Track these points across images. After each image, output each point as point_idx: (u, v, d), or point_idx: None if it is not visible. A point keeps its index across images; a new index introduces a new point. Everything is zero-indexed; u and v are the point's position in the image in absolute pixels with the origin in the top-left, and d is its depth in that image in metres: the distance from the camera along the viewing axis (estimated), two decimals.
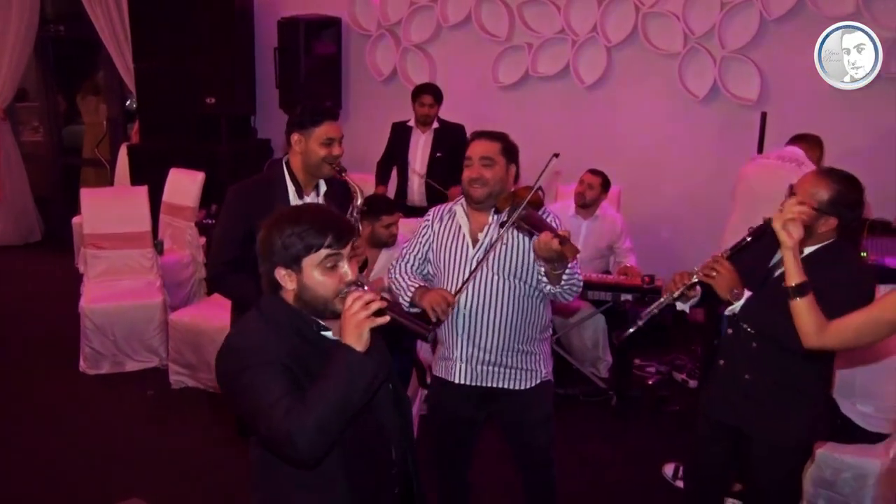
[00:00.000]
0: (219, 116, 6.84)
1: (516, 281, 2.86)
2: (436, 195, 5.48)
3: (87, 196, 5.76)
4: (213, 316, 4.62)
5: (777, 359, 2.69)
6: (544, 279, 2.79)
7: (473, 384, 2.94)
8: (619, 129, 6.20)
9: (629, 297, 4.72)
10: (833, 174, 2.65)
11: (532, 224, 2.71)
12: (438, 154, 5.69)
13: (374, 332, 1.86)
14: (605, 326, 5.08)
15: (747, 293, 2.68)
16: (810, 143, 4.68)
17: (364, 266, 3.60)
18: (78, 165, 8.94)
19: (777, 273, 2.62)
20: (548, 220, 2.82)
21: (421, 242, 3.06)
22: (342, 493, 1.96)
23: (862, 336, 2.31)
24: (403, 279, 2.99)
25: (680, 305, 2.83)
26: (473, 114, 5.92)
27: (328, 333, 1.97)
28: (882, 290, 2.85)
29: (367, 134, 6.36)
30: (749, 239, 2.67)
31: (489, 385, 2.94)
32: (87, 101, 9.02)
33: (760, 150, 5.03)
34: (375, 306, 1.84)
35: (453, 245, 2.95)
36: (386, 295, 2.36)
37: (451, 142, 5.52)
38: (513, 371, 2.94)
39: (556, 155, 2.83)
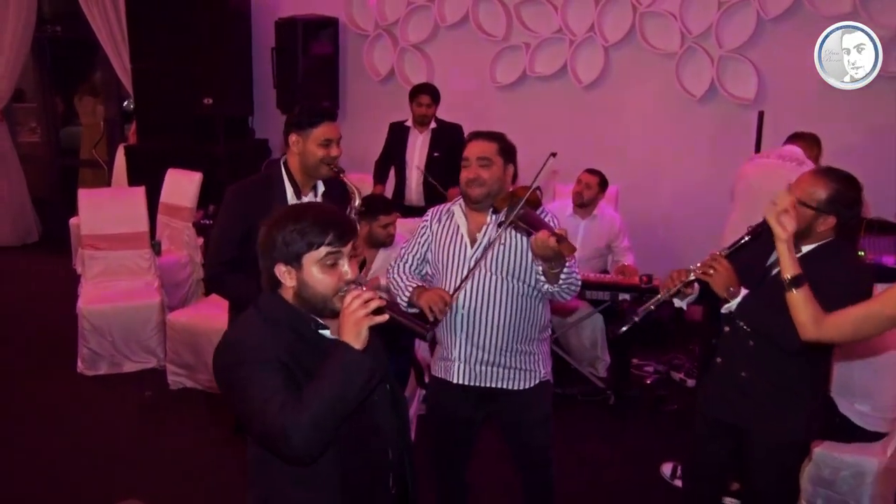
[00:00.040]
0: (216, 117, 6.83)
1: (514, 281, 2.86)
2: (434, 195, 5.47)
3: (85, 197, 5.76)
4: (210, 316, 4.61)
5: (773, 357, 2.69)
6: (542, 278, 2.79)
7: (472, 384, 2.94)
8: (617, 128, 6.20)
9: (627, 296, 4.72)
10: (831, 173, 2.66)
11: (529, 223, 2.71)
12: (436, 154, 5.69)
13: (372, 332, 1.87)
14: (603, 326, 5.08)
15: (744, 291, 2.68)
16: (808, 141, 4.69)
17: (362, 266, 3.61)
18: (75, 166, 8.94)
19: (774, 272, 2.62)
20: (546, 219, 2.82)
21: (420, 243, 3.06)
22: (337, 491, 1.96)
23: (860, 330, 2.30)
24: (402, 279, 2.99)
25: (677, 302, 2.83)
26: (471, 114, 5.92)
27: (326, 332, 1.97)
28: (879, 288, 2.85)
29: (365, 134, 6.36)
30: (747, 238, 2.67)
31: (488, 385, 2.94)
32: (84, 102, 9.01)
33: (758, 149, 5.03)
34: (374, 304, 1.85)
35: (452, 245, 2.95)
36: (384, 295, 2.36)
37: (448, 142, 5.52)
38: (512, 371, 2.94)
39: (554, 154, 2.83)
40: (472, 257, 2.89)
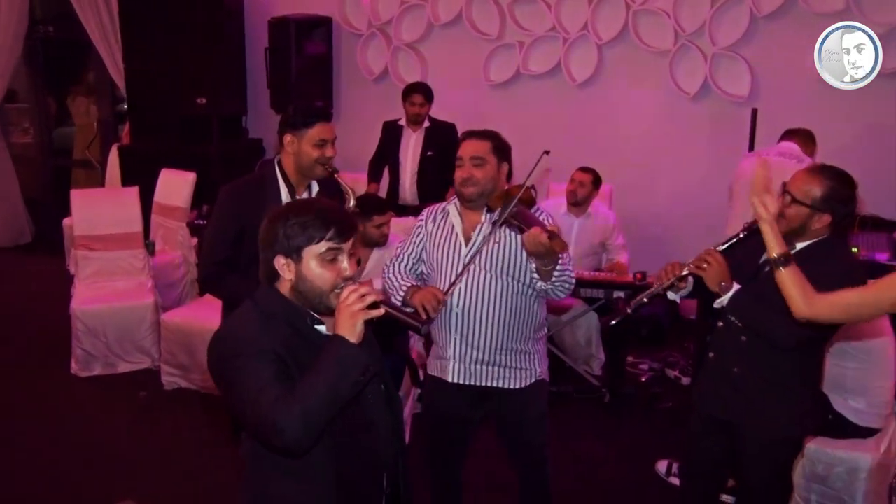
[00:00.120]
0: (210, 117, 6.82)
1: (509, 279, 2.86)
2: (428, 194, 5.48)
3: (78, 197, 5.73)
4: (205, 317, 4.60)
5: (766, 353, 2.70)
6: (536, 276, 2.80)
7: (467, 383, 2.94)
8: (611, 126, 6.21)
9: (622, 294, 4.72)
10: (826, 171, 2.66)
11: (522, 221, 2.72)
12: (430, 153, 5.69)
13: (367, 328, 1.88)
14: (597, 324, 5.09)
15: (736, 286, 2.69)
16: (804, 138, 4.71)
17: (357, 265, 3.60)
18: (69, 167, 8.91)
19: (768, 269, 2.63)
20: (541, 217, 2.83)
21: (415, 242, 3.06)
22: (331, 486, 1.97)
23: (853, 312, 2.30)
24: (397, 279, 2.99)
25: (671, 295, 2.84)
26: (465, 112, 5.92)
27: (322, 328, 1.98)
28: None
29: (359, 133, 6.34)
30: (743, 234, 2.68)
31: (483, 384, 2.94)
32: (77, 103, 8.99)
33: (752, 146, 5.04)
34: (370, 299, 1.86)
35: (446, 244, 2.95)
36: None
37: (442, 140, 5.52)
38: (507, 370, 2.93)
39: (547, 152, 2.83)
40: (466, 256, 2.89)
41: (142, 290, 5.44)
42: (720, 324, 2.86)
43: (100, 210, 5.64)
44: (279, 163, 3.17)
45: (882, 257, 4.49)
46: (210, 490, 3.89)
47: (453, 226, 2.97)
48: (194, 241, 5.86)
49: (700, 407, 2.98)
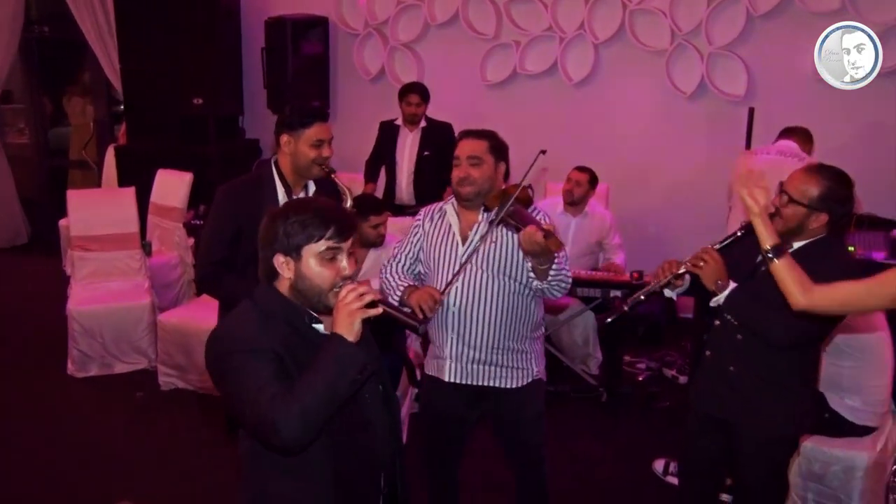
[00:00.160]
0: (206, 117, 6.80)
1: (505, 278, 2.86)
2: (425, 194, 5.47)
3: (74, 198, 5.73)
4: (201, 317, 4.59)
5: (761, 351, 2.70)
6: (532, 275, 2.80)
7: (464, 383, 2.94)
8: (607, 125, 6.21)
9: (618, 293, 4.72)
10: (823, 170, 2.66)
11: (519, 220, 2.72)
12: (426, 153, 5.69)
13: (365, 327, 1.88)
14: (594, 323, 5.08)
15: (732, 285, 2.69)
16: (802, 136, 4.71)
17: (355, 264, 3.59)
18: (65, 167, 8.90)
19: (764, 268, 2.63)
20: (537, 217, 2.83)
21: (412, 242, 3.06)
22: (329, 484, 1.97)
23: (851, 303, 2.29)
24: (394, 279, 2.99)
25: (668, 293, 2.85)
26: (461, 112, 5.91)
27: (320, 327, 1.98)
28: None
29: (355, 133, 6.34)
30: (740, 233, 2.69)
31: (480, 384, 2.94)
32: (73, 103, 8.98)
33: (748, 145, 5.05)
34: (369, 298, 1.87)
35: (443, 244, 2.95)
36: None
37: (438, 140, 5.52)
38: (504, 370, 2.94)
39: (544, 151, 2.83)
40: (463, 255, 2.89)
41: (138, 290, 5.43)
42: (717, 322, 2.86)
43: (96, 210, 5.64)
44: (276, 163, 3.16)
45: (879, 256, 4.50)
46: (207, 490, 3.89)
47: (450, 225, 2.97)
48: (191, 241, 5.86)
49: (697, 406, 2.99)
